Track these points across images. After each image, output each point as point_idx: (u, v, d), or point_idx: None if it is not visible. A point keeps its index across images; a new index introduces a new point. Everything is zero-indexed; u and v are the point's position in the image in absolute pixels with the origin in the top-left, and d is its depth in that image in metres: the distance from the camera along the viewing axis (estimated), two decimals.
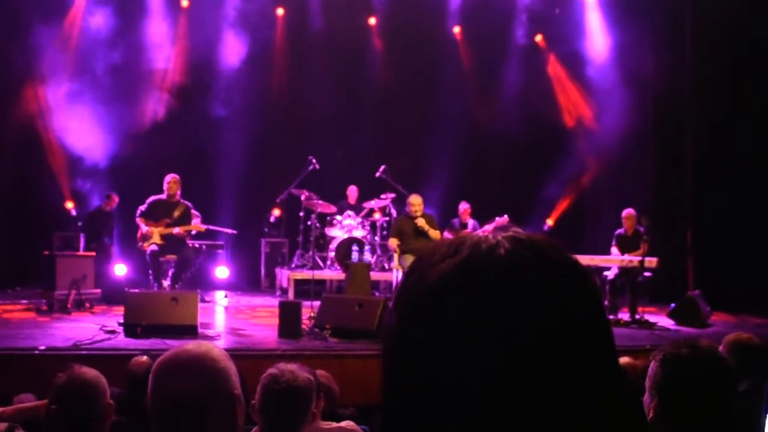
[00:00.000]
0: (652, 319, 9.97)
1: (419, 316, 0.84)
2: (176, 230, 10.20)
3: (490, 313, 0.80)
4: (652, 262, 10.02)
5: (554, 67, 14.75)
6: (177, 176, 10.43)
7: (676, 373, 2.37)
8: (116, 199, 12.20)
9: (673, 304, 10.12)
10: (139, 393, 1.97)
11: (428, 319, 0.83)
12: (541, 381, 0.79)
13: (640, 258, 10.00)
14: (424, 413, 0.82)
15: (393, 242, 9.86)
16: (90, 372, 3.08)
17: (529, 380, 0.79)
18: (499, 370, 0.79)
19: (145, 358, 4.90)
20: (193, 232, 10.84)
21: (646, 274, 10.05)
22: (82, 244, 12.08)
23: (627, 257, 10.31)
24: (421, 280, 0.85)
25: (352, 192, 12.98)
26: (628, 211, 11.02)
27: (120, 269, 11.34)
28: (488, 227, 11.89)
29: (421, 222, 9.74)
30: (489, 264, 0.82)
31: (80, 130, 12.54)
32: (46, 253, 10.56)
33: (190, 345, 1.96)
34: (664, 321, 9.88)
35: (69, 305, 9.55)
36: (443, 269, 0.84)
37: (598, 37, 14.09)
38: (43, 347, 6.91)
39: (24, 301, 10.39)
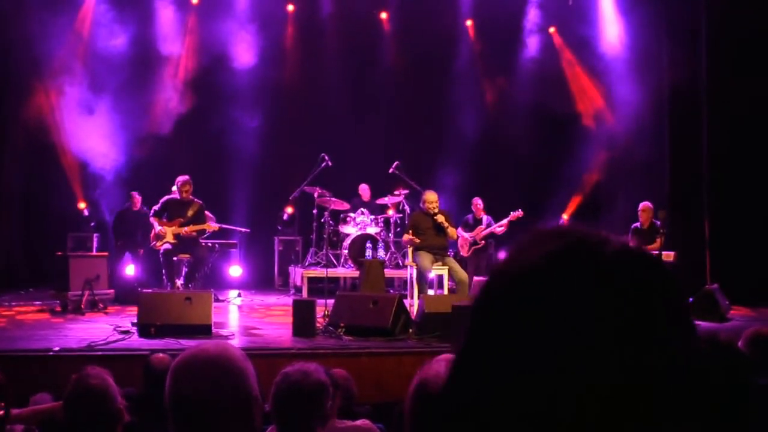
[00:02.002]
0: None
1: (511, 300, 0.82)
2: (185, 229, 10.18)
3: (586, 307, 0.78)
4: (669, 255, 9.93)
5: (568, 59, 14.66)
6: (187, 177, 10.40)
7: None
8: (137, 197, 12.21)
9: (690, 298, 10.01)
10: (157, 390, 1.94)
11: (521, 304, 0.80)
12: (631, 382, 0.77)
13: (656, 252, 9.91)
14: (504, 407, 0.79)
15: (408, 236, 9.76)
16: (98, 374, 3.04)
17: (620, 380, 0.76)
18: (587, 365, 0.76)
19: (164, 355, 4.86)
20: (207, 232, 10.83)
21: (673, 275, 9.94)
22: (95, 245, 12.09)
23: None
24: (520, 263, 0.83)
25: (365, 190, 12.95)
26: (644, 205, 10.92)
27: (132, 269, 11.35)
28: (504, 222, 11.85)
29: (440, 218, 9.65)
30: (595, 257, 0.81)
31: (92, 131, 12.55)
32: (59, 253, 10.56)
33: (209, 345, 1.93)
34: None
35: (82, 306, 9.55)
36: (545, 252, 0.82)
37: (612, 28, 13.98)
38: (57, 348, 6.88)
39: (38, 302, 10.40)
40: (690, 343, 0.83)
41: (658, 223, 10.74)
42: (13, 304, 10.42)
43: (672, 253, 10.04)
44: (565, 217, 14.27)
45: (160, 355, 4.86)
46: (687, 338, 0.82)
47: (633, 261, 0.82)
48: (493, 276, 0.86)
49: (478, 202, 12.35)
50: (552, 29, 14.73)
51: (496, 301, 0.83)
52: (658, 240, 10.21)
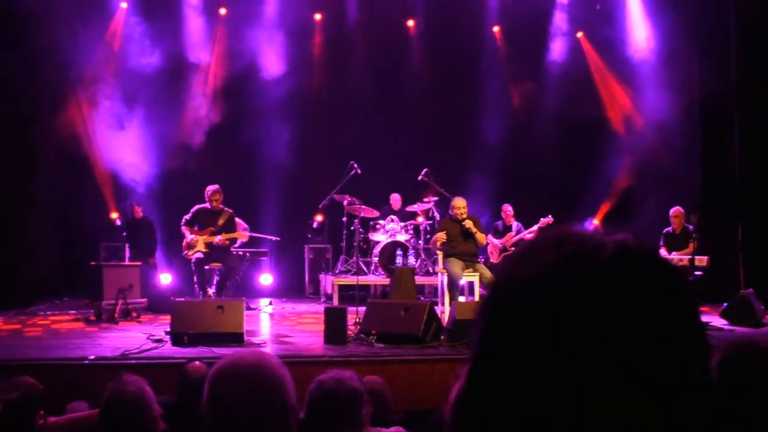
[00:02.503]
0: (704, 318, 9.70)
1: (514, 311, 0.82)
2: (217, 239, 10.24)
3: (587, 314, 0.78)
4: (702, 260, 9.83)
5: (596, 64, 14.57)
6: (217, 186, 10.47)
7: (736, 374, 2.28)
8: (137, 207, 12.38)
9: (725, 304, 9.89)
10: (193, 398, 1.95)
11: (524, 315, 0.81)
12: (635, 385, 0.77)
13: (689, 257, 9.80)
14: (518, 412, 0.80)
15: (439, 236, 9.73)
16: (134, 382, 3.06)
17: (624, 383, 0.77)
18: (592, 369, 0.77)
19: (200, 363, 4.89)
20: (238, 242, 10.89)
21: (697, 273, 9.84)
22: (128, 254, 12.21)
23: (676, 256, 10.11)
24: (520, 274, 0.84)
25: (396, 199, 12.95)
26: (676, 209, 10.81)
27: (165, 278, 11.44)
28: (534, 229, 11.80)
29: (469, 223, 9.62)
30: (591, 264, 0.81)
31: (123, 142, 12.68)
32: (93, 263, 10.68)
33: (246, 352, 1.95)
34: (716, 321, 9.65)
35: (116, 315, 9.63)
36: (543, 264, 0.82)
37: (640, 32, 13.87)
38: (92, 357, 6.95)
39: (72, 312, 10.51)
40: (697, 343, 0.82)
41: (691, 227, 10.63)
42: (48, 313, 10.55)
43: (705, 258, 9.93)
44: (595, 222, 14.17)
45: (197, 363, 4.89)
46: (694, 339, 0.82)
47: (631, 264, 0.81)
48: (493, 288, 0.87)
49: (507, 209, 12.31)
50: (580, 34, 14.66)
51: (497, 314, 0.84)
52: (691, 245, 10.11)
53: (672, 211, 10.86)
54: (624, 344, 0.77)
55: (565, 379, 0.77)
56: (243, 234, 11.06)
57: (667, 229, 10.97)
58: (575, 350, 0.77)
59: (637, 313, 0.78)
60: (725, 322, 9.62)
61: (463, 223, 9.64)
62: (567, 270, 0.80)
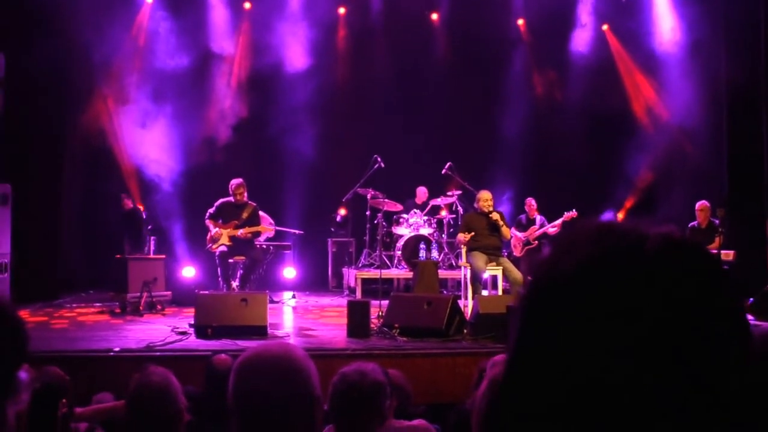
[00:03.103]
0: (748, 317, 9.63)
1: (555, 306, 0.81)
2: (240, 232, 10.29)
3: (630, 308, 0.77)
4: (728, 255, 9.73)
5: (621, 56, 14.46)
6: (241, 180, 10.53)
7: (760, 369, 2.24)
8: (127, 201, 12.49)
9: (751, 299, 9.78)
10: (219, 390, 1.96)
11: (566, 311, 0.80)
12: (680, 379, 0.76)
13: (715, 251, 9.71)
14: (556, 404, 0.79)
15: (462, 236, 9.72)
16: (161, 374, 3.08)
17: (662, 378, 0.76)
18: (628, 361, 0.76)
19: (225, 356, 4.92)
20: (263, 237, 10.93)
21: (723, 267, 9.72)
22: (152, 248, 12.29)
23: None
24: (560, 268, 0.82)
25: (422, 192, 12.93)
26: (702, 203, 10.72)
27: (189, 271, 11.50)
28: (557, 222, 11.75)
29: (496, 216, 9.59)
30: (635, 257, 0.79)
31: (148, 137, 12.75)
32: (118, 256, 10.77)
33: (272, 344, 1.96)
34: None
35: (141, 307, 9.72)
36: (585, 258, 0.81)
37: (666, 23, 13.72)
38: (117, 349, 7.01)
39: (97, 304, 10.60)
40: (742, 341, 0.81)
41: (717, 222, 10.53)
42: (74, 305, 10.65)
43: (731, 252, 9.83)
44: (620, 216, 14.07)
45: (222, 356, 4.92)
46: (739, 337, 0.81)
47: (676, 257, 0.80)
48: (533, 284, 0.86)
49: (531, 202, 12.27)
50: (605, 26, 14.55)
51: (539, 308, 0.83)
52: (717, 239, 10.02)
53: (698, 204, 10.76)
54: (669, 339, 0.76)
55: (608, 373, 0.76)
56: (268, 228, 11.10)
57: (692, 223, 10.87)
58: (618, 345, 0.76)
59: (682, 307, 0.77)
60: (751, 317, 9.52)
61: (490, 216, 9.62)
62: (610, 263, 0.79)
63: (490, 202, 9.72)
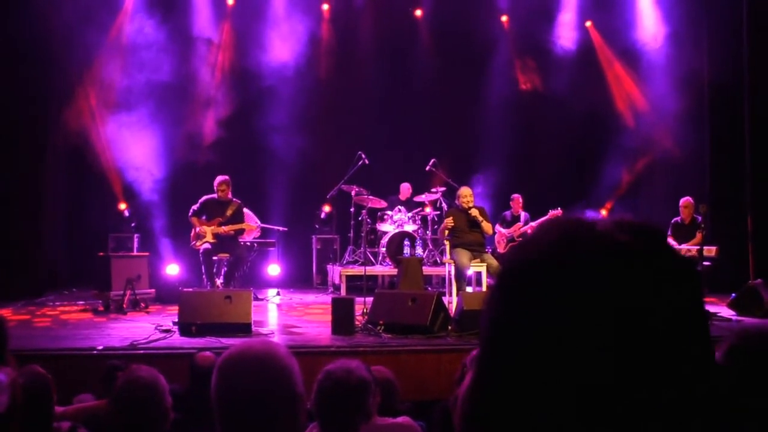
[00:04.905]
0: (712, 309, 9.70)
1: (517, 296, 0.83)
2: (224, 229, 10.27)
3: (585, 289, 0.78)
4: (711, 250, 9.78)
5: (604, 53, 14.51)
6: (226, 177, 10.51)
7: (744, 365, 2.26)
8: None
9: (733, 294, 9.85)
10: (203, 388, 1.95)
11: (529, 296, 0.81)
12: (633, 363, 0.77)
13: (698, 247, 9.77)
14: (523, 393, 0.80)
15: (447, 222, 9.73)
16: (148, 372, 3.07)
17: (622, 363, 0.77)
18: (594, 349, 0.77)
19: (209, 353, 4.91)
20: (250, 236, 10.89)
21: (705, 263, 9.80)
22: (136, 245, 12.24)
23: (684, 246, 10.08)
24: (522, 259, 0.85)
25: (405, 189, 12.93)
26: (686, 200, 10.78)
27: (173, 269, 11.46)
28: (542, 220, 11.79)
29: (475, 212, 9.62)
30: (586, 239, 0.82)
31: (131, 134, 12.66)
32: (101, 254, 10.71)
33: (255, 342, 1.95)
34: (724, 311, 9.62)
35: (124, 305, 9.66)
36: (545, 248, 0.83)
37: (649, 20, 13.78)
38: (100, 347, 6.98)
39: (80, 302, 10.54)
40: (699, 327, 0.82)
41: (700, 218, 10.59)
42: (57, 303, 10.58)
43: (714, 248, 9.89)
44: (603, 213, 14.14)
45: (207, 353, 4.91)
46: (695, 323, 0.81)
47: (627, 239, 0.81)
48: (498, 276, 0.88)
49: (518, 199, 12.30)
50: (588, 23, 14.60)
51: (501, 300, 0.85)
52: (699, 235, 10.07)
53: (682, 201, 10.82)
54: (629, 327, 0.77)
55: (569, 362, 0.77)
56: (251, 226, 11.07)
57: (675, 219, 10.93)
58: (577, 332, 0.77)
59: (636, 287, 0.78)
60: (733, 312, 9.59)
61: (469, 212, 9.65)
62: (566, 250, 0.81)
63: (470, 199, 9.77)
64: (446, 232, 9.80)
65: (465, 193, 9.80)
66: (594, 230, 0.82)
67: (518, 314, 0.81)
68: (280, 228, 12.28)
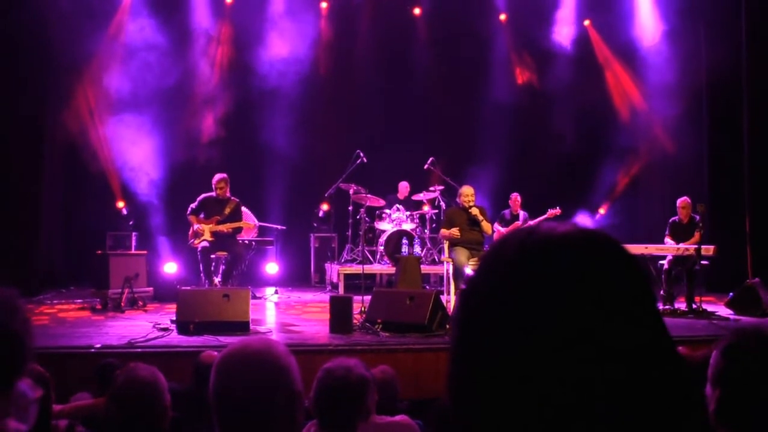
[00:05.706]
0: (710, 308, 9.73)
1: (474, 306, 0.86)
2: (222, 227, 10.26)
3: (542, 293, 0.80)
4: (708, 249, 9.78)
5: (603, 51, 14.51)
6: (224, 175, 10.49)
7: (740, 363, 2.26)
8: None
9: (731, 293, 9.86)
10: (207, 386, 1.96)
11: (493, 303, 0.83)
12: (588, 360, 0.78)
13: (696, 246, 9.77)
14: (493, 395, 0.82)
15: (446, 231, 9.74)
16: (147, 371, 3.06)
17: (578, 360, 0.78)
18: (542, 348, 0.79)
19: (215, 353, 4.90)
20: (248, 236, 10.88)
21: (703, 262, 9.80)
22: (134, 243, 12.22)
23: (682, 245, 10.09)
24: (491, 265, 0.88)
25: (404, 187, 12.92)
26: (683, 199, 10.78)
27: (171, 267, 11.45)
28: (540, 219, 11.78)
29: (475, 211, 9.63)
30: (543, 245, 0.85)
31: (129, 132, 12.64)
32: (99, 252, 10.70)
33: (253, 340, 1.95)
34: (722, 310, 9.64)
35: (122, 303, 9.66)
36: (509, 251, 0.86)
37: (647, 17, 13.78)
38: (98, 345, 6.98)
39: (78, 301, 10.54)
40: (653, 327, 0.83)
41: (698, 217, 10.60)
42: (55, 302, 10.58)
43: (712, 248, 9.89)
44: (601, 212, 14.15)
45: (212, 352, 4.91)
46: (647, 317, 0.83)
47: (570, 248, 0.83)
48: (465, 285, 0.90)
49: (516, 198, 12.30)
50: (587, 22, 14.59)
51: (463, 308, 0.88)
52: (697, 234, 10.08)
53: (679, 201, 10.82)
54: (576, 320, 0.79)
55: (524, 367, 0.79)
56: (249, 224, 11.06)
57: (673, 218, 10.94)
58: (532, 329, 0.79)
59: (585, 296, 0.80)
60: (731, 311, 9.60)
61: (470, 211, 9.66)
62: (523, 253, 0.84)
63: (472, 198, 9.77)
64: (446, 241, 9.82)
65: (467, 191, 9.81)
66: (546, 242, 0.85)
67: (468, 324, 0.85)
68: (279, 226, 12.28)
